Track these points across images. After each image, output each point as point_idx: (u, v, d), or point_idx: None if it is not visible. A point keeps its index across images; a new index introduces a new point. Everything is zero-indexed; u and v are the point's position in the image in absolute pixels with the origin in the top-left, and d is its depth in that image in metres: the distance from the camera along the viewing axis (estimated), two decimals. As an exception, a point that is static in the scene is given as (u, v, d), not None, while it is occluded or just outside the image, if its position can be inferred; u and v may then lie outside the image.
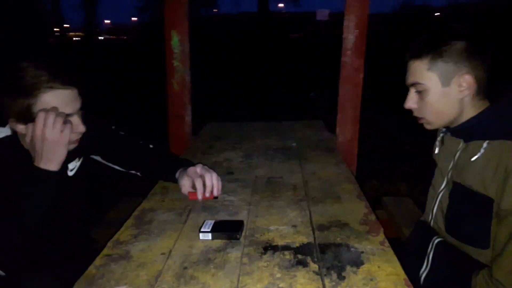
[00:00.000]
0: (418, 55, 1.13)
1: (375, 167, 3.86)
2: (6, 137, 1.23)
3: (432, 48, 1.10)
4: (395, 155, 4.35)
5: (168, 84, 2.29)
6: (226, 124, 2.49)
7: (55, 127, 1.11)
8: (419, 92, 1.16)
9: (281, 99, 7.92)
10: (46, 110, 1.11)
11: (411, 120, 1.25)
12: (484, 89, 1.12)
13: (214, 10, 31.88)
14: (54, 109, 1.12)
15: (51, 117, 1.10)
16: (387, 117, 5.59)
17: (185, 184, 1.35)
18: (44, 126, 1.10)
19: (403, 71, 1.20)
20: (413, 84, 1.17)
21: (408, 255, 1.28)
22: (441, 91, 1.12)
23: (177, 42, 2.25)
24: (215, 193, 1.31)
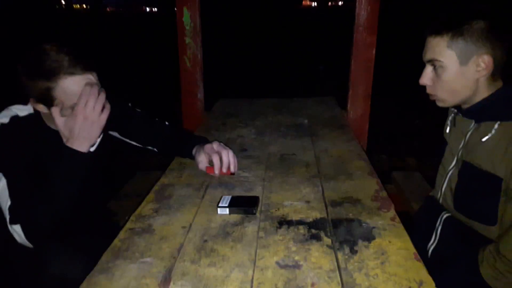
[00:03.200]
0: (438, 32, 1.12)
1: (385, 142, 3.88)
2: (30, 115, 1.27)
3: (453, 26, 1.10)
4: (404, 131, 4.35)
5: (181, 61, 2.31)
6: (237, 101, 2.51)
7: (95, 108, 1.16)
8: (435, 69, 1.16)
9: (291, 72, 7.87)
10: (88, 90, 1.15)
11: (420, 96, 1.25)
12: (501, 71, 1.12)
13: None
14: (97, 86, 1.17)
15: (93, 98, 1.15)
16: (396, 93, 5.55)
17: (202, 161, 1.40)
18: (85, 106, 1.15)
19: (415, 47, 1.20)
20: (430, 61, 1.16)
21: (417, 228, 1.32)
22: (458, 70, 1.12)
23: (189, 18, 2.25)
24: (232, 169, 1.36)
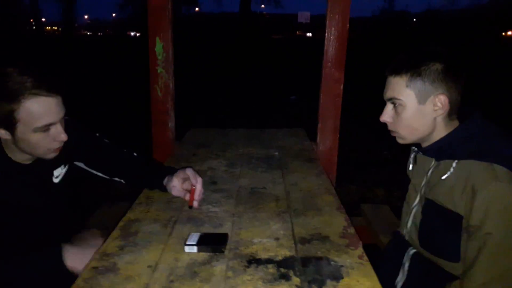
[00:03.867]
0: (398, 72, 1.18)
1: (354, 172, 3.95)
2: None
3: (412, 67, 1.16)
4: (373, 161, 4.45)
5: (152, 90, 2.30)
6: (209, 131, 2.50)
7: None
8: (395, 107, 1.22)
9: (262, 101, 7.97)
10: None
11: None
12: (456, 110, 1.19)
13: (196, 9, 31.80)
14: None
15: None
16: (366, 123, 5.71)
17: (175, 185, 1.39)
18: None
19: (382, 78, 1.26)
20: (391, 99, 1.22)
21: (384, 264, 1.34)
22: (417, 108, 1.17)
23: (161, 48, 2.26)
24: (195, 204, 1.35)
